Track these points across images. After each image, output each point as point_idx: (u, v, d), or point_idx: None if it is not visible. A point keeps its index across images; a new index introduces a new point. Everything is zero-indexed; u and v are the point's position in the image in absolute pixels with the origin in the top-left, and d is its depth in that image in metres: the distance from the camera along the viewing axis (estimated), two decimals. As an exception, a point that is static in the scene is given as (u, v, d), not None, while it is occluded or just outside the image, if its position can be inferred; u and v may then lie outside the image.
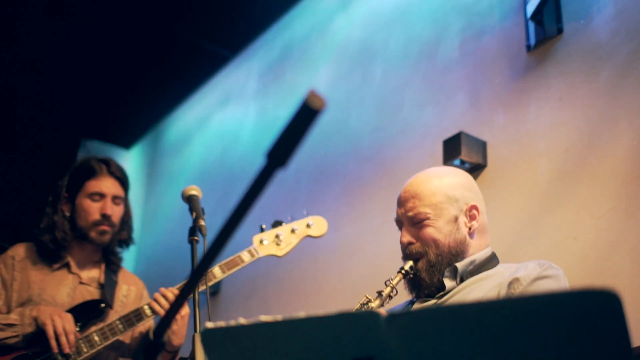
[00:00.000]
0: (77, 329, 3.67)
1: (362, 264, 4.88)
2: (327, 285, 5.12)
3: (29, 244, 4.02)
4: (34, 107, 7.73)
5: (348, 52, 5.83)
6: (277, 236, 3.90)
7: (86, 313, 3.79)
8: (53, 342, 3.58)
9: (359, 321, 1.38)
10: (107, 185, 3.90)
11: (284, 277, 5.40)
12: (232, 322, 1.51)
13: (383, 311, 1.34)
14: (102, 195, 3.88)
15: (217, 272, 3.79)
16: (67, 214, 3.92)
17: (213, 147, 7.15)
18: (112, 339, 3.68)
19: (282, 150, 1.14)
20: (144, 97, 7.61)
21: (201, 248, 3.30)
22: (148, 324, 3.84)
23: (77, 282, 3.89)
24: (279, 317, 1.46)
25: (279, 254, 3.89)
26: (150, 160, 8.09)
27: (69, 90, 7.48)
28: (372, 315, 1.34)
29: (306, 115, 1.11)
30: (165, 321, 1.39)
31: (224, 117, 7.14)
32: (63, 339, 3.59)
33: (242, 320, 1.50)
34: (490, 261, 2.84)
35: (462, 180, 2.92)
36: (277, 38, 6.70)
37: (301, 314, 1.42)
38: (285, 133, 1.13)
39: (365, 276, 4.79)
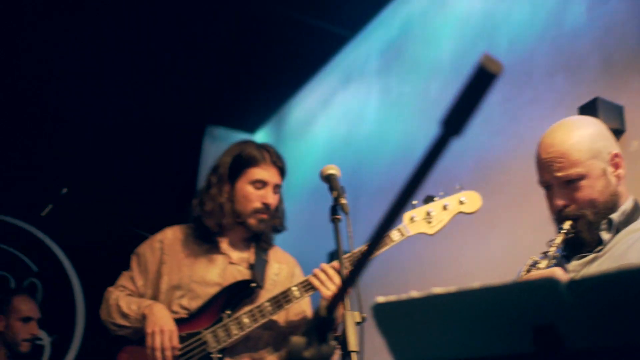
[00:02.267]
0: (178, 345, 3.72)
1: (499, 237, 4.82)
2: (464, 260, 5.07)
3: (177, 227, 4.11)
4: (158, 97, 7.87)
5: (470, 24, 5.73)
6: (428, 213, 3.80)
7: (237, 293, 3.84)
8: (149, 352, 3.66)
9: (538, 289, 1.35)
10: (270, 174, 3.93)
11: (420, 253, 5.37)
12: (404, 296, 1.50)
13: (563, 276, 1.31)
14: (264, 184, 3.91)
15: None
16: (221, 198, 3.96)
17: (337, 127, 7.15)
18: (262, 321, 3.73)
19: (457, 118, 1.12)
20: (266, 82, 7.66)
21: (343, 226, 3.31)
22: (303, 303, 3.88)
23: (227, 263, 3.95)
24: (452, 288, 1.44)
25: (430, 231, 3.80)
26: (275, 143, 8.12)
27: (192, 78, 7.58)
28: (552, 282, 1.31)
29: (482, 81, 1.08)
30: (339, 296, 1.39)
31: (347, 97, 7.13)
32: (158, 354, 3.65)
33: (414, 293, 1.49)
34: (637, 210, 2.81)
35: (599, 129, 2.87)
36: (396, 14, 6.64)
37: (475, 284, 1.40)
38: (460, 100, 1.10)
39: (503, 249, 4.73)
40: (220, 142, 8.32)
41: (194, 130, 8.42)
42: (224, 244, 4.01)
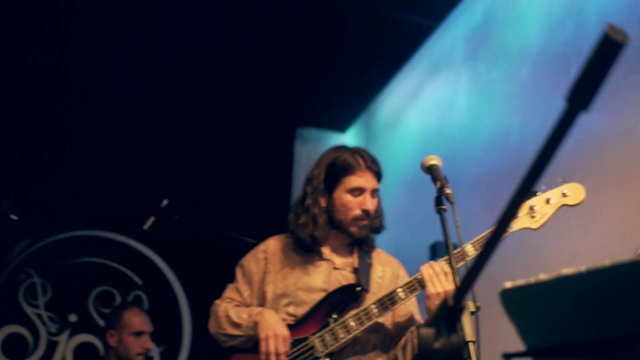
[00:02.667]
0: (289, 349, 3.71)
1: (604, 218, 4.72)
2: (570, 246, 4.99)
3: (280, 236, 4.12)
4: (247, 103, 7.94)
5: (556, 3, 5.63)
6: (531, 208, 3.74)
7: (343, 298, 3.84)
8: (263, 357, 3.68)
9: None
10: (367, 180, 3.90)
11: (524, 242, 5.30)
12: (532, 279, 1.48)
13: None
14: (362, 190, 3.89)
15: (469, 249, 3.71)
16: (324, 206, 3.97)
17: (428, 118, 7.11)
18: (368, 324, 3.72)
19: (584, 92, 1.08)
20: (354, 79, 7.66)
21: (449, 216, 3.28)
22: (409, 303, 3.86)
23: (331, 268, 3.95)
24: (581, 268, 1.41)
25: (534, 226, 3.75)
26: (366, 140, 8.14)
27: (280, 81, 7.63)
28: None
29: (608, 51, 1.05)
30: (467, 285, 1.37)
31: (436, 87, 7.08)
32: (273, 359, 3.66)
33: (542, 276, 1.46)
34: None
35: None
36: (479, 0, 6.57)
37: (606, 262, 1.37)
38: (585, 73, 1.07)
39: (610, 232, 4.63)
40: (311, 143, 8.36)
41: (285, 133, 8.46)
42: (326, 250, 4.01)
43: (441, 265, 3.66)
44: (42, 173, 7.75)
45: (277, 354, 3.69)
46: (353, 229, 3.92)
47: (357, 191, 3.89)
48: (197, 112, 8.08)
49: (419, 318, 3.97)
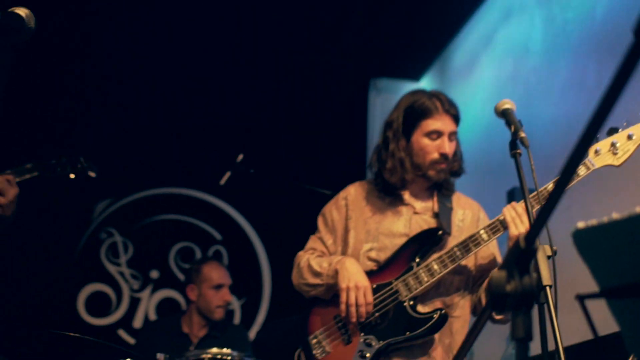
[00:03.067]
0: (372, 300, 3.75)
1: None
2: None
3: (359, 183, 4.15)
4: (320, 55, 7.91)
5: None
6: (612, 144, 3.66)
7: (425, 242, 3.84)
8: (343, 307, 3.70)
9: None
10: (444, 123, 3.89)
11: (603, 183, 5.20)
12: (605, 219, 1.44)
13: None
14: (439, 134, 3.87)
15: (551, 189, 3.66)
16: (398, 153, 3.97)
17: (502, 64, 7.00)
18: (451, 266, 3.72)
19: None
20: (426, 27, 7.56)
21: (525, 160, 3.24)
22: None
23: (412, 213, 3.96)
24: (656, 206, 1.37)
25: (616, 163, 3.67)
26: (440, 88, 8.03)
27: (353, 32, 7.58)
28: None
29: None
30: (538, 227, 1.35)
31: (510, 31, 6.95)
32: (353, 310, 3.71)
33: (615, 215, 1.43)
34: None
35: None
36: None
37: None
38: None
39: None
40: (385, 94, 8.30)
41: (359, 84, 8.42)
42: (407, 195, 4.02)
43: (523, 206, 3.62)
44: (120, 132, 7.85)
45: (358, 306, 3.73)
46: (431, 173, 3.92)
47: (435, 134, 3.88)
48: (271, 66, 8.09)
49: (501, 260, 3.97)
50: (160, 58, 7.91)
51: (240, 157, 6.00)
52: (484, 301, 3.89)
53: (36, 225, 7.42)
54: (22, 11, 2.26)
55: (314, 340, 3.90)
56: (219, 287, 5.85)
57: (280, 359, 4.35)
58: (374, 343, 3.75)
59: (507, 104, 3.51)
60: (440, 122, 3.88)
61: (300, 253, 4.13)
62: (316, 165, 7.64)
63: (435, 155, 3.88)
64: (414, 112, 3.94)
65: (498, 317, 3.74)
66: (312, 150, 7.90)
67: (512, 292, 1.38)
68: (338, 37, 7.68)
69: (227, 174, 6.16)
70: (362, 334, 3.80)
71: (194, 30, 7.62)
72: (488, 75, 7.23)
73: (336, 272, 3.80)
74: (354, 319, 3.75)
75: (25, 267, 7.40)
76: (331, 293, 3.90)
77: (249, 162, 6.10)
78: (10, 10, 2.20)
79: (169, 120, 7.95)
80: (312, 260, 3.98)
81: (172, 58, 7.93)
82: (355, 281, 3.73)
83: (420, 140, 3.90)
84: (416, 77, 8.45)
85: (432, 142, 3.88)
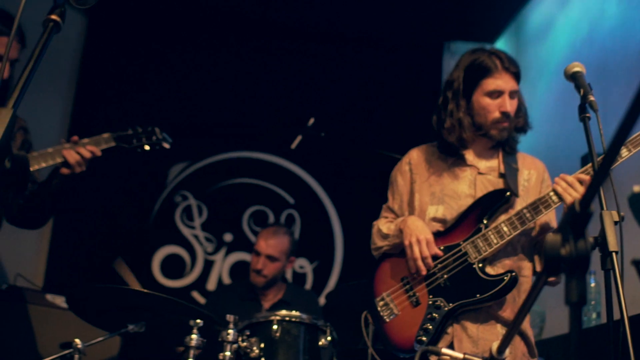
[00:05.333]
0: (437, 251, 3.79)
1: None
2: None
3: (422, 146, 4.16)
4: (394, 18, 7.86)
5: None
6: None
7: (492, 203, 3.84)
8: (411, 264, 3.72)
9: None
10: (505, 81, 3.88)
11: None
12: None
13: None
14: (500, 93, 3.86)
15: (622, 151, 3.61)
16: (460, 112, 3.97)
17: (578, 26, 6.87)
18: (521, 228, 3.71)
19: None
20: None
21: (593, 124, 3.19)
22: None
23: (476, 173, 3.97)
24: None
25: None
26: (516, 50, 7.94)
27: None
28: None
29: None
30: (593, 191, 1.34)
31: (586, -7, 6.83)
32: (420, 263, 3.72)
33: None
34: None
35: None
36: None
37: None
38: None
39: None
40: (459, 56, 8.21)
41: (433, 47, 8.35)
42: (470, 156, 4.01)
43: (576, 175, 3.64)
44: (194, 96, 7.94)
45: (423, 258, 3.75)
46: (494, 132, 3.90)
47: (496, 93, 3.87)
48: (342, 30, 8.08)
49: (555, 225, 3.95)
50: (232, 22, 7.96)
51: (312, 121, 6.01)
52: (537, 266, 3.88)
53: (112, 189, 7.59)
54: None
55: (381, 302, 3.91)
56: (257, 252, 5.91)
57: (348, 321, 4.40)
58: (443, 305, 3.76)
59: (577, 67, 3.46)
60: (500, 81, 3.87)
61: (374, 222, 4.17)
62: (389, 129, 7.62)
63: (497, 114, 3.87)
64: (474, 71, 3.93)
65: (551, 278, 3.71)
66: (384, 114, 7.89)
67: (566, 256, 1.37)
68: (412, 2, 7.61)
69: (299, 138, 6.17)
70: (430, 296, 3.81)
71: (265, 4, 7.65)
72: (563, 38, 7.11)
73: (401, 231, 3.83)
74: (422, 272, 3.77)
75: (101, 229, 7.55)
76: (398, 251, 3.94)
77: (320, 125, 6.11)
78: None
79: (241, 84, 8.01)
80: (382, 226, 4.02)
81: (245, 22, 7.97)
82: (416, 235, 3.76)
83: (481, 99, 3.89)
84: (491, 39, 8.34)
85: (493, 101, 3.87)
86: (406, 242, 3.78)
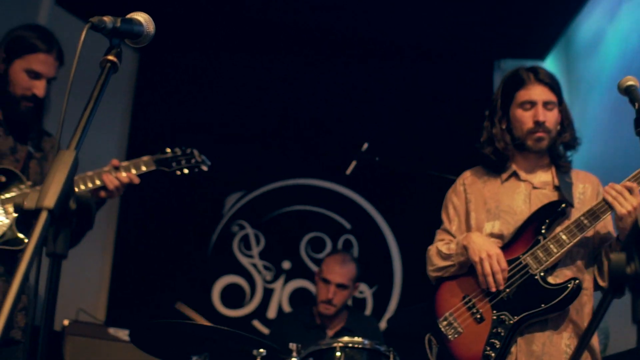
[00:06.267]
0: (506, 266, 3.78)
1: None
2: None
3: (474, 168, 4.20)
4: (444, 38, 7.86)
5: None
6: None
7: (549, 215, 3.85)
8: (483, 279, 3.72)
9: None
10: (536, 92, 3.94)
11: None
12: None
13: None
14: (532, 103, 3.92)
15: None
16: (504, 126, 4.02)
17: (629, 38, 6.80)
18: (580, 235, 3.72)
19: None
20: (549, 4, 7.43)
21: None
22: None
23: (530, 188, 4.00)
24: None
25: None
26: (566, 66, 7.89)
27: (475, 14, 7.50)
28: None
29: None
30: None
31: (635, 5, 6.74)
32: (490, 280, 3.74)
33: None
34: None
35: None
36: None
37: None
38: None
39: None
40: (507, 76, 8.18)
41: (483, 66, 8.33)
42: (522, 172, 4.04)
43: (624, 183, 3.69)
44: (246, 125, 8.01)
45: (494, 273, 3.75)
46: (530, 143, 3.95)
47: (528, 104, 3.93)
48: (395, 52, 8.09)
49: (613, 230, 3.94)
50: (284, 48, 8.03)
51: (365, 145, 6.02)
52: (598, 279, 3.86)
53: (170, 221, 7.67)
54: (141, 16, 2.34)
55: (444, 323, 3.91)
56: (325, 281, 5.90)
57: (411, 345, 4.38)
58: (507, 319, 3.75)
59: (631, 81, 3.47)
60: (532, 92, 3.92)
61: (429, 247, 4.18)
62: (441, 150, 7.60)
63: (530, 124, 3.93)
64: (509, 86, 4.02)
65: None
66: (437, 135, 7.87)
67: (631, 274, 1.36)
68: (461, 20, 7.61)
69: (353, 163, 6.19)
70: (494, 311, 3.80)
71: (316, 20, 7.69)
72: (614, 51, 7.05)
73: (465, 249, 3.83)
74: (493, 288, 3.77)
75: (161, 262, 7.63)
76: (464, 270, 3.94)
77: (374, 150, 6.12)
78: (129, 16, 2.28)
79: (294, 112, 8.06)
80: (441, 247, 4.03)
81: (297, 48, 8.03)
82: (486, 250, 3.76)
83: (516, 112, 3.97)
84: (541, 56, 8.30)
85: (525, 112, 3.93)
86: (476, 259, 3.78)
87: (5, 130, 4.21)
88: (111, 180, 4.14)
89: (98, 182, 4.14)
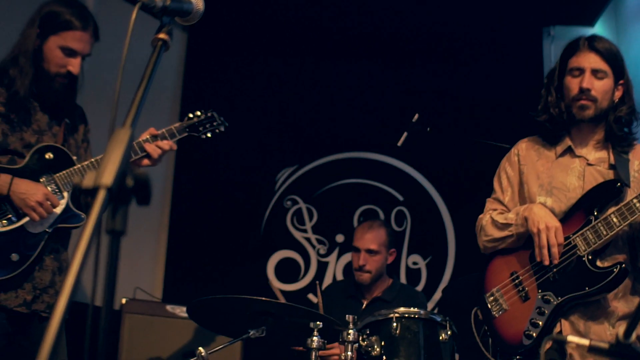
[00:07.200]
0: (563, 241, 3.69)
1: None
2: None
3: (530, 138, 4.15)
4: (492, 7, 7.78)
5: None
6: None
7: (603, 195, 3.78)
8: (539, 251, 3.68)
9: None
10: (586, 59, 3.88)
11: None
12: None
13: None
14: (581, 70, 3.87)
15: None
16: (558, 94, 3.97)
17: (681, 1, 6.70)
18: (631, 219, 3.64)
19: None
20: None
21: None
22: None
23: (585, 164, 3.91)
24: None
25: None
26: (616, 31, 7.78)
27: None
28: None
29: None
30: None
31: (687, -34, 6.64)
32: (545, 252, 3.70)
33: None
34: None
35: None
36: None
37: None
38: None
39: None
40: (560, 41, 8.07)
41: (532, 33, 8.23)
42: (578, 147, 3.97)
43: None
44: (297, 101, 8.01)
45: (550, 246, 3.71)
46: (574, 111, 3.89)
47: (577, 71, 3.88)
48: (444, 22, 8.03)
49: None
50: (334, 24, 8.00)
51: (416, 116, 6.00)
52: None
53: (223, 198, 7.72)
54: (191, -5, 2.36)
55: (491, 298, 3.91)
56: (356, 250, 5.91)
57: (461, 316, 4.39)
58: (552, 299, 3.73)
59: None
60: (582, 58, 3.88)
61: (481, 216, 4.15)
62: (492, 119, 7.54)
63: (575, 91, 3.85)
64: (565, 53, 3.99)
65: None
66: (487, 104, 7.80)
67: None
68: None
69: (405, 135, 6.18)
70: (539, 291, 3.78)
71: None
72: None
73: (525, 219, 3.80)
74: (546, 261, 3.74)
75: (215, 239, 7.69)
76: (521, 242, 3.91)
77: (425, 120, 6.10)
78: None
79: (344, 84, 8.04)
80: (497, 217, 4.00)
81: (348, 19, 8.00)
82: (545, 222, 3.73)
83: (566, 79, 3.92)
84: (590, 22, 8.18)
85: (573, 78, 3.87)
86: (534, 230, 3.74)
87: (40, 107, 4.26)
88: (154, 149, 4.19)
89: (140, 153, 4.19)
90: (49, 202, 4.00)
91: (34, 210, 3.95)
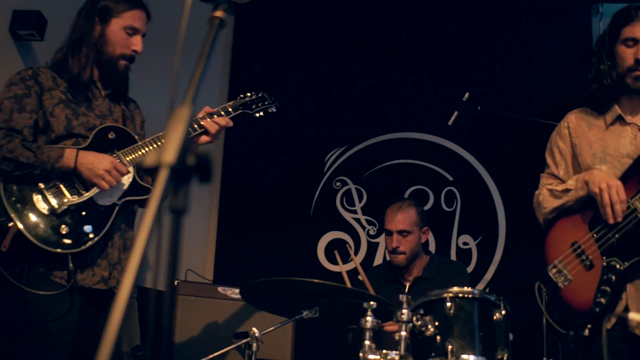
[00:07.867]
0: (626, 198, 3.68)
1: None
2: None
3: (578, 109, 4.14)
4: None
5: None
6: None
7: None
8: (603, 210, 3.65)
9: None
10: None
11: None
12: None
13: None
14: (635, 41, 3.88)
15: None
16: (610, 63, 3.94)
17: None
18: None
19: None
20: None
21: None
22: None
23: (637, 130, 3.92)
24: None
25: None
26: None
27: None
28: None
29: None
30: None
31: None
32: (609, 210, 3.66)
33: None
34: None
35: None
36: None
37: None
38: None
39: None
40: (608, 19, 7.96)
41: (581, 10, 8.13)
42: (628, 115, 3.95)
43: None
44: (344, 80, 8.00)
45: (613, 204, 3.68)
46: (628, 81, 3.88)
47: (631, 41, 3.86)
48: (488, 1, 7.98)
49: None
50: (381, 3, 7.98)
51: (467, 95, 5.96)
52: None
53: (273, 179, 7.74)
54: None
55: (554, 270, 3.88)
56: (388, 232, 5.88)
57: (519, 293, 4.35)
58: (618, 265, 3.70)
59: None
60: (636, 28, 3.88)
61: (537, 192, 4.14)
62: (542, 97, 7.47)
63: (630, 62, 3.83)
64: (617, 22, 3.97)
65: None
66: (537, 82, 7.72)
67: None
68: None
69: (455, 114, 6.14)
70: (604, 257, 3.76)
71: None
72: None
73: (585, 183, 3.78)
74: (611, 220, 3.70)
75: (265, 221, 7.72)
76: (580, 204, 3.89)
77: (475, 99, 6.06)
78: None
79: (395, 65, 8.01)
80: (555, 187, 3.99)
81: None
82: (606, 181, 3.69)
83: (619, 48, 3.89)
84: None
85: (628, 48, 3.83)
86: (596, 190, 3.71)
87: (100, 92, 4.31)
88: (211, 125, 4.26)
89: (198, 129, 4.24)
90: (116, 171, 4.03)
91: (102, 178, 3.98)
